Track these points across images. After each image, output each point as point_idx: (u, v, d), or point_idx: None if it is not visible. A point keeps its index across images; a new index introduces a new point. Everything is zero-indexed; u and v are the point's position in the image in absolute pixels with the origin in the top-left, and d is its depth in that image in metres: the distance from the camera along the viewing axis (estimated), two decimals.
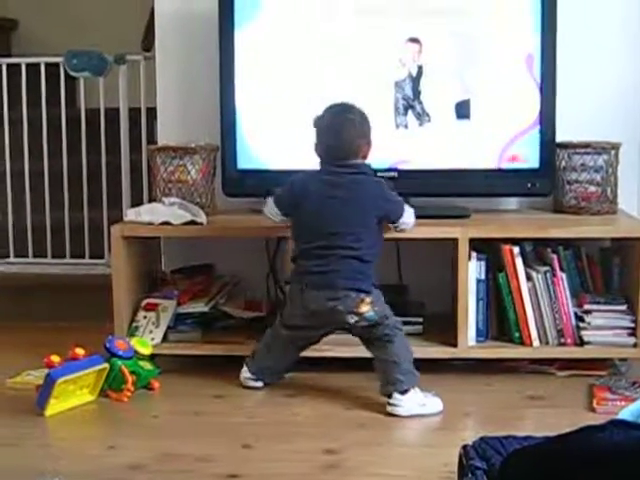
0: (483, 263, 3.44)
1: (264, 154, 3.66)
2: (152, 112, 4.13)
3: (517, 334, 3.45)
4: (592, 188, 3.67)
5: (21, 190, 4.59)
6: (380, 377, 3.17)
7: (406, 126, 3.63)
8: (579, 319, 3.44)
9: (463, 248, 3.37)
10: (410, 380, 3.12)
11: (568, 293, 3.45)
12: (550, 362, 3.49)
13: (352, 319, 3.15)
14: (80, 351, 3.27)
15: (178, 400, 3.28)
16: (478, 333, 3.46)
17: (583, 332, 3.43)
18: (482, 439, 1.98)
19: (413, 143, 3.64)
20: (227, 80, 3.63)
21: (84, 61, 4.40)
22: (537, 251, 3.56)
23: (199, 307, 3.64)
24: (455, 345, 3.42)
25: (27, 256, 4.60)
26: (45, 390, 3.11)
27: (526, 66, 3.56)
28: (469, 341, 3.43)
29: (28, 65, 4.55)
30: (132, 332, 3.52)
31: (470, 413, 3.17)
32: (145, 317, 3.57)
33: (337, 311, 3.14)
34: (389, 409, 3.10)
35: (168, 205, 3.60)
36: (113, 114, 4.46)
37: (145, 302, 3.61)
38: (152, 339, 3.51)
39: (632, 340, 3.41)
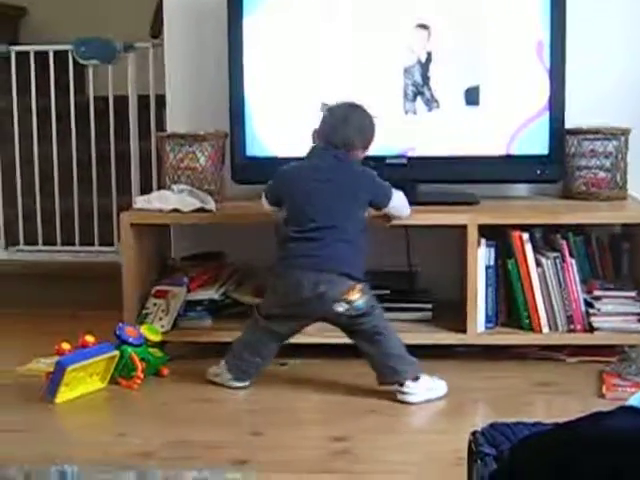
0: (492, 249, 3.43)
1: (273, 141, 3.66)
2: (161, 99, 4.13)
3: (526, 320, 3.45)
4: (602, 174, 3.66)
5: (30, 177, 4.59)
6: (379, 368, 3.13)
7: (415, 112, 3.62)
8: (589, 305, 3.44)
9: (472, 234, 3.37)
10: (412, 367, 3.11)
11: (578, 279, 3.44)
12: (559, 348, 3.48)
13: (340, 307, 3.08)
14: (90, 338, 3.28)
15: (188, 387, 3.28)
16: (487, 319, 3.45)
17: (593, 318, 3.43)
18: (491, 425, 1.97)
19: (422, 129, 3.63)
20: (236, 67, 3.63)
21: (93, 48, 4.40)
22: (546, 237, 3.55)
23: (209, 294, 3.64)
24: (464, 331, 3.42)
25: (37, 243, 4.61)
26: (55, 377, 3.12)
27: (536, 52, 3.55)
28: (478, 327, 3.43)
29: (37, 53, 4.55)
30: (142, 319, 3.53)
31: (479, 399, 3.17)
32: (155, 304, 3.58)
33: (325, 297, 3.07)
34: (401, 397, 3.09)
35: (177, 192, 3.61)
36: (122, 101, 4.46)
37: (155, 289, 3.61)
38: (162, 326, 3.51)
39: None
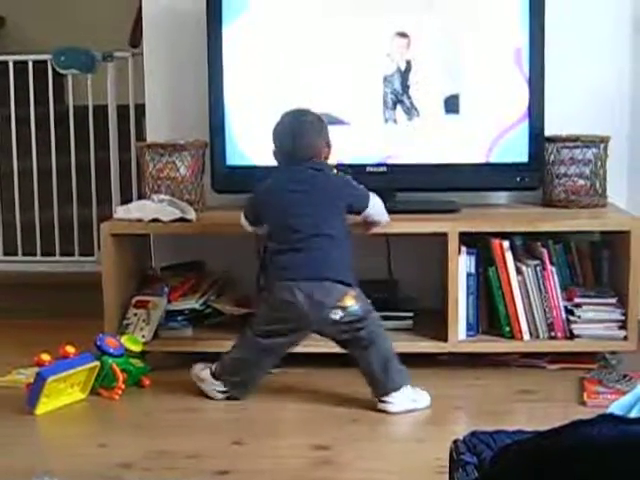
0: (473, 257, 3.44)
1: (253, 150, 3.66)
2: (141, 109, 4.12)
3: (507, 328, 3.45)
4: (581, 182, 3.67)
5: (10, 188, 4.57)
6: (372, 380, 3.12)
7: (395, 121, 3.62)
8: (569, 313, 3.45)
9: (453, 242, 3.37)
10: (404, 377, 3.11)
11: (558, 287, 3.45)
12: (540, 356, 3.49)
13: (336, 315, 3.08)
14: (70, 349, 3.26)
15: (169, 397, 3.27)
16: (468, 327, 3.46)
17: (573, 326, 3.44)
18: (473, 433, 1.97)
19: (402, 138, 3.63)
20: (215, 77, 3.63)
21: (72, 58, 4.38)
22: (527, 245, 3.56)
23: (190, 304, 3.63)
24: (445, 339, 3.43)
25: (16, 254, 4.58)
26: (36, 388, 3.11)
27: (514, 60, 3.56)
28: (459, 335, 3.43)
29: (16, 62, 4.54)
30: (123, 330, 3.52)
31: (461, 407, 3.18)
32: (135, 314, 3.56)
33: (321, 306, 3.06)
34: (381, 406, 3.09)
35: (157, 202, 3.60)
36: (101, 111, 4.45)
37: (135, 299, 3.60)
38: (143, 336, 3.50)
39: (622, 333, 3.41)
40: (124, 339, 3.41)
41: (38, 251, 4.56)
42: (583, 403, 3.11)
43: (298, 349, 3.34)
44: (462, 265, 3.41)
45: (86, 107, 4.49)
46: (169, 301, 3.60)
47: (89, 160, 4.50)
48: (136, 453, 2.78)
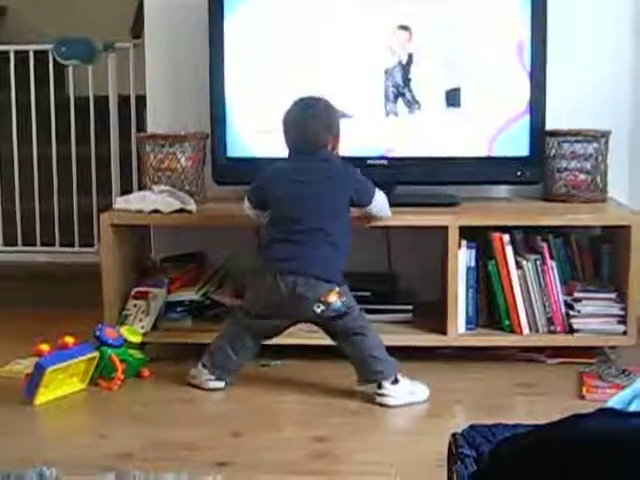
0: (473, 251, 3.44)
1: (254, 142, 3.66)
2: (142, 100, 4.12)
3: (507, 322, 3.45)
4: (582, 176, 3.67)
5: (10, 178, 4.57)
6: (358, 368, 3.14)
7: (396, 114, 3.62)
8: (569, 307, 3.45)
9: (453, 236, 3.37)
10: (391, 368, 3.11)
11: (558, 281, 3.45)
12: (540, 350, 3.49)
13: (319, 308, 3.10)
14: (70, 339, 3.26)
15: (168, 388, 3.27)
16: (468, 321, 3.46)
17: (573, 320, 3.44)
18: (472, 427, 1.97)
19: (403, 131, 3.63)
20: (216, 68, 3.62)
21: (73, 49, 4.38)
22: (527, 239, 3.56)
23: (189, 295, 3.63)
24: (445, 333, 3.43)
25: (16, 244, 4.58)
26: (35, 379, 3.10)
27: (516, 54, 3.55)
28: (459, 329, 3.43)
29: (17, 52, 4.53)
30: (122, 320, 3.52)
31: (460, 401, 3.18)
32: (135, 305, 3.56)
33: (303, 299, 3.09)
34: (379, 399, 3.09)
35: (158, 193, 3.60)
36: (102, 102, 4.44)
37: (135, 290, 3.60)
38: (142, 327, 3.50)
39: (622, 328, 3.41)
40: (123, 330, 3.41)
41: (38, 241, 4.56)
42: (582, 397, 3.11)
43: (297, 341, 3.35)
44: (462, 259, 3.41)
45: (87, 98, 4.48)
46: (169, 292, 3.60)
47: (90, 151, 4.50)
48: (135, 444, 2.78)
